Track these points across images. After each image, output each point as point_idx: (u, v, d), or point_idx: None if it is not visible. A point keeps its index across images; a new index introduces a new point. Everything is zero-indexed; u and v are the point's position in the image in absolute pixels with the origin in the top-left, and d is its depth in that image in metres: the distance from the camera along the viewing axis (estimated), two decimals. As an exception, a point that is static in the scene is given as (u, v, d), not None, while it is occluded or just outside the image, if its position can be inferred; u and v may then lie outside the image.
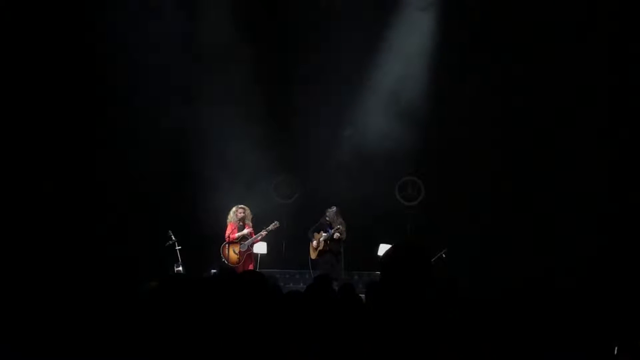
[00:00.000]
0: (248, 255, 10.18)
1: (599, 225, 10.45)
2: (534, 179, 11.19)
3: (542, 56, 10.95)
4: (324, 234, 10.43)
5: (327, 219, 10.43)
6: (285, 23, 11.95)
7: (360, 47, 11.61)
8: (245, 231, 10.22)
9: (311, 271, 10.86)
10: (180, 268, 10.31)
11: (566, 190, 10.80)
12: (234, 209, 10.23)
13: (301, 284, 11.19)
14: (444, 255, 10.47)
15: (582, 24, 10.57)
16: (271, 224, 10.30)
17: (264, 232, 10.23)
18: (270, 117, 11.85)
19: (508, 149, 11.39)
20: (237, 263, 10.07)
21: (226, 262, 10.16)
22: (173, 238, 10.48)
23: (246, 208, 10.25)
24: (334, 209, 10.48)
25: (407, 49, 11.61)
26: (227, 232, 10.25)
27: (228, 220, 10.28)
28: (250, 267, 10.07)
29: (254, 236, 10.19)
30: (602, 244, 10.26)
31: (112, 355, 3.16)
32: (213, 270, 9.55)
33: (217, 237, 10.47)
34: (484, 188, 11.41)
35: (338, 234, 10.30)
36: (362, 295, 6.28)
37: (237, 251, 10.15)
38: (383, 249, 11.46)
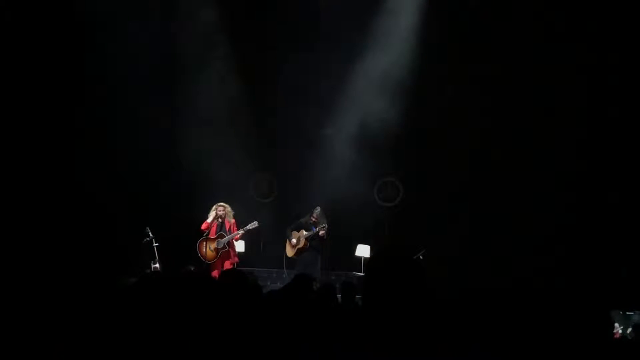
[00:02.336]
0: (225, 252, 10.09)
1: (579, 224, 10.63)
2: (514, 178, 11.28)
3: (530, 51, 11.07)
4: (305, 233, 10.43)
5: (313, 218, 10.44)
6: (265, 22, 11.97)
7: (341, 44, 11.64)
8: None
9: (285, 270, 10.85)
10: (157, 265, 10.26)
11: (546, 189, 10.92)
12: (214, 206, 10.17)
13: (278, 283, 11.19)
14: (421, 257, 10.53)
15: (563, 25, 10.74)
16: (249, 223, 10.24)
17: (241, 231, 10.17)
18: (250, 116, 11.90)
19: (487, 150, 11.46)
20: (213, 260, 10.01)
21: (202, 259, 10.08)
22: (150, 235, 10.43)
23: (226, 205, 10.18)
24: (319, 209, 10.51)
25: (390, 48, 11.67)
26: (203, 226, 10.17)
27: (208, 217, 10.21)
28: (227, 264, 10.00)
29: (233, 234, 10.12)
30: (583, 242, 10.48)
31: (88, 349, 3.13)
32: (191, 268, 9.50)
33: (195, 234, 10.41)
34: (463, 188, 11.49)
35: (323, 231, 10.32)
36: (339, 296, 6.31)
37: (212, 248, 10.07)
38: (361, 249, 11.52)
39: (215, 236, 10.05)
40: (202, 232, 10.11)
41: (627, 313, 7.96)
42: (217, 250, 10.03)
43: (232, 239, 10.15)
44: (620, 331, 7.78)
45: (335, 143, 11.91)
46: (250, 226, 10.21)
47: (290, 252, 10.66)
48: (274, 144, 12.28)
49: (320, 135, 12.22)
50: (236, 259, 10.25)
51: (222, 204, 10.16)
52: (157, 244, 10.39)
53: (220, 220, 10.09)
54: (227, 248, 10.07)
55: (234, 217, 10.23)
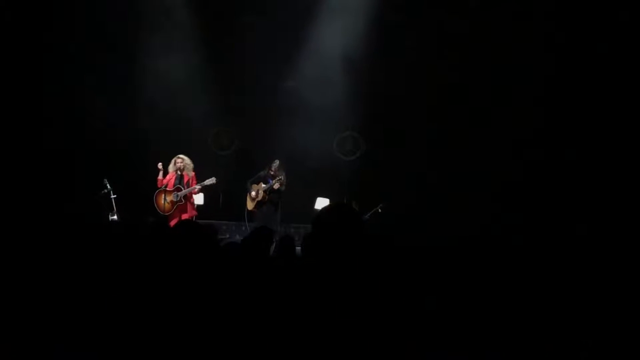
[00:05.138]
0: (182, 205, 10.01)
1: (542, 175, 10.74)
2: (472, 133, 11.30)
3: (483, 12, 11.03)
4: (263, 185, 10.48)
5: (272, 171, 10.49)
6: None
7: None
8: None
9: (247, 223, 10.90)
10: (115, 217, 10.18)
11: (506, 143, 10.99)
12: (173, 159, 10.08)
13: (237, 236, 11.25)
14: (380, 210, 10.65)
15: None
16: (208, 179, 10.14)
17: (198, 186, 10.09)
18: (209, 69, 11.80)
19: (445, 107, 11.50)
20: (170, 212, 9.97)
21: (158, 210, 10.03)
22: (108, 187, 10.31)
23: (185, 158, 10.08)
24: (277, 162, 10.56)
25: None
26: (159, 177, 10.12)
27: (167, 169, 10.12)
28: (184, 217, 9.94)
29: (189, 188, 10.05)
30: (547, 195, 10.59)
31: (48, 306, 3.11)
32: (150, 219, 9.45)
33: (152, 186, 10.33)
34: (423, 143, 11.57)
35: (278, 184, 10.38)
36: (298, 248, 6.39)
37: (169, 200, 10.01)
38: (320, 202, 11.60)
39: (172, 189, 9.99)
40: (160, 184, 10.08)
41: None
42: (172, 202, 9.98)
43: (189, 193, 10.09)
44: None
45: (296, 96, 11.84)
46: (207, 182, 10.11)
47: (250, 205, 10.72)
48: (233, 97, 12.19)
49: (281, 88, 12.13)
50: (194, 212, 10.21)
51: (181, 156, 10.05)
52: (115, 196, 10.30)
53: (179, 172, 10.01)
54: (184, 201, 10.00)
55: (193, 170, 10.18)
